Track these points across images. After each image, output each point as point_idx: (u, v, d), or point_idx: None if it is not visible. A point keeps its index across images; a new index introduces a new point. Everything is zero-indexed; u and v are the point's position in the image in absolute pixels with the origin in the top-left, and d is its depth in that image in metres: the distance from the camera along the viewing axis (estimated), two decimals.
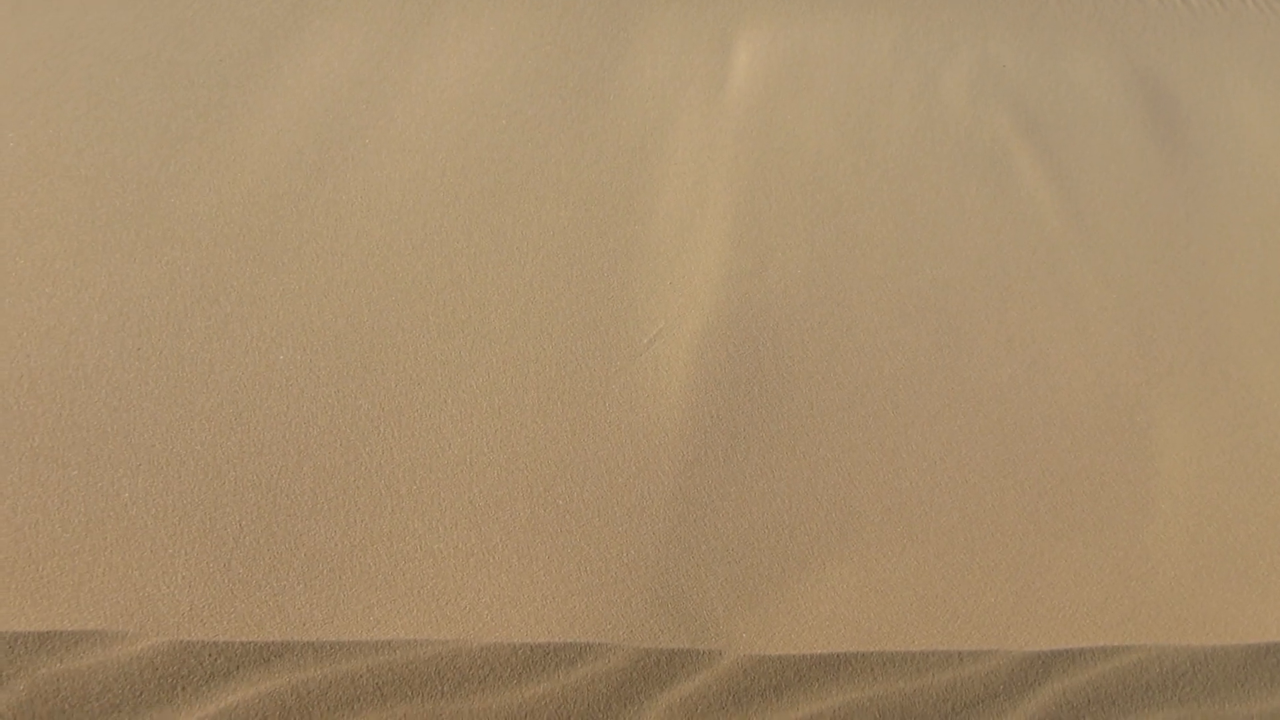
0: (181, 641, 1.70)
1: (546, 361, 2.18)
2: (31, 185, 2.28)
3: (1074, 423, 2.20)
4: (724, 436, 2.11)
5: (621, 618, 1.85)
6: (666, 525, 1.97)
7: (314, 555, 1.85)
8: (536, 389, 2.13)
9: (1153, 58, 3.24)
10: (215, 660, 1.70)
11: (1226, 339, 2.41)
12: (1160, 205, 2.72)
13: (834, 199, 2.60)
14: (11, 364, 1.98)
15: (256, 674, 1.71)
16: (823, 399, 2.20)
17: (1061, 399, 2.24)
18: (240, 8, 2.83)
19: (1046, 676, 1.85)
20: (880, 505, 2.04)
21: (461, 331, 2.20)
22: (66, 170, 2.32)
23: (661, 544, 1.95)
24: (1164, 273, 2.53)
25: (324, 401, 2.05)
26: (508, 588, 1.87)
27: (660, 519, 1.98)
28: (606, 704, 1.77)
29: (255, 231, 2.29)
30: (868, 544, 1.97)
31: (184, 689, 1.69)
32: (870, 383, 2.23)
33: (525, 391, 2.13)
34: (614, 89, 2.80)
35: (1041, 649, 1.86)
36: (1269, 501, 2.13)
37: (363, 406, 2.06)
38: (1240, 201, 2.79)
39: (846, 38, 3.07)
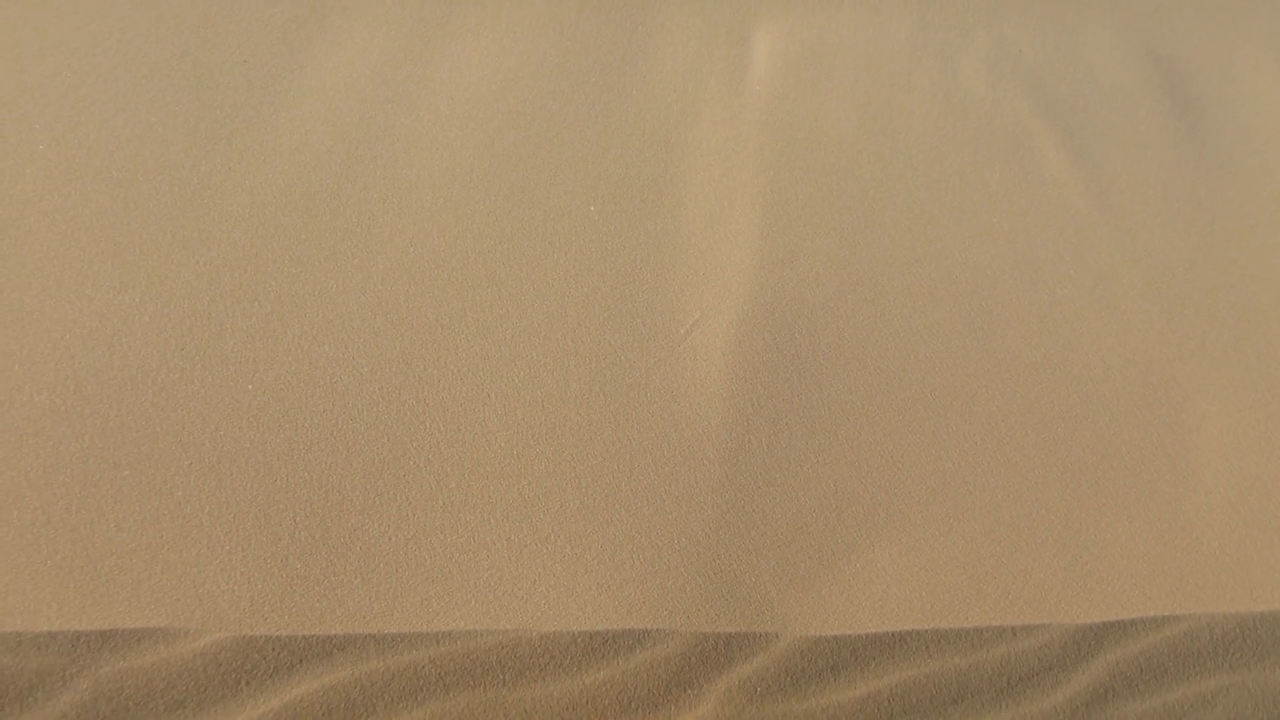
0: (244, 636, 1.71)
1: (586, 354, 2.19)
2: (65, 189, 2.27)
3: (1110, 399, 2.23)
4: (766, 423, 2.13)
5: (677, 603, 1.87)
6: (716, 511, 1.98)
7: (369, 549, 1.85)
8: (579, 381, 2.14)
9: (1166, 37, 3.27)
10: (278, 654, 1.71)
11: (1254, 313, 2.44)
12: (1182, 183, 2.75)
13: (860, 187, 2.62)
14: (57, 366, 1.98)
15: (320, 667, 1.72)
16: (861, 383, 2.22)
17: (1096, 376, 2.27)
18: (261, 8, 2.83)
19: (1099, 648, 1.87)
20: (925, 486, 2.06)
21: (500, 326, 2.21)
22: (98, 173, 2.32)
23: (712, 530, 1.96)
24: (1190, 250, 2.56)
25: (369, 398, 2.06)
26: (563, 576, 1.88)
27: (709, 505, 1.99)
28: (666, 688, 1.78)
29: (290, 231, 2.29)
30: (915, 524, 1.99)
31: (248, 683, 1.69)
32: (907, 366, 2.25)
33: (567, 384, 2.14)
34: (636, 82, 2.81)
35: (1093, 621, 1.88)
36: None
37: (407, 402, 2.07)
38: (1259, 179, 2.82)
39: (863, 27, 3.09)
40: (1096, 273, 2.48)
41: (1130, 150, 2.84)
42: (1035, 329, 2.34)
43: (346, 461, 1.96)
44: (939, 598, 1.90)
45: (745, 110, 2.79)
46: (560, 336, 2.22)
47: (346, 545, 1.85)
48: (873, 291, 2.39)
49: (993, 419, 2.18)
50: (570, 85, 2.78)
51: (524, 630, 1.80)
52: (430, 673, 1.74)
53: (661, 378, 2.17)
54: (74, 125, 2.41)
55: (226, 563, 1.78)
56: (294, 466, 1.93)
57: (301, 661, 1.71)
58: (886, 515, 2.01)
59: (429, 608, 1.81)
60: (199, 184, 2.34)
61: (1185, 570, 1.95)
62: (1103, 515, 2.03)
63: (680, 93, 2.81)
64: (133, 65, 2.59)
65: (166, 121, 2.46)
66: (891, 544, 1.97)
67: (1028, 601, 1.90)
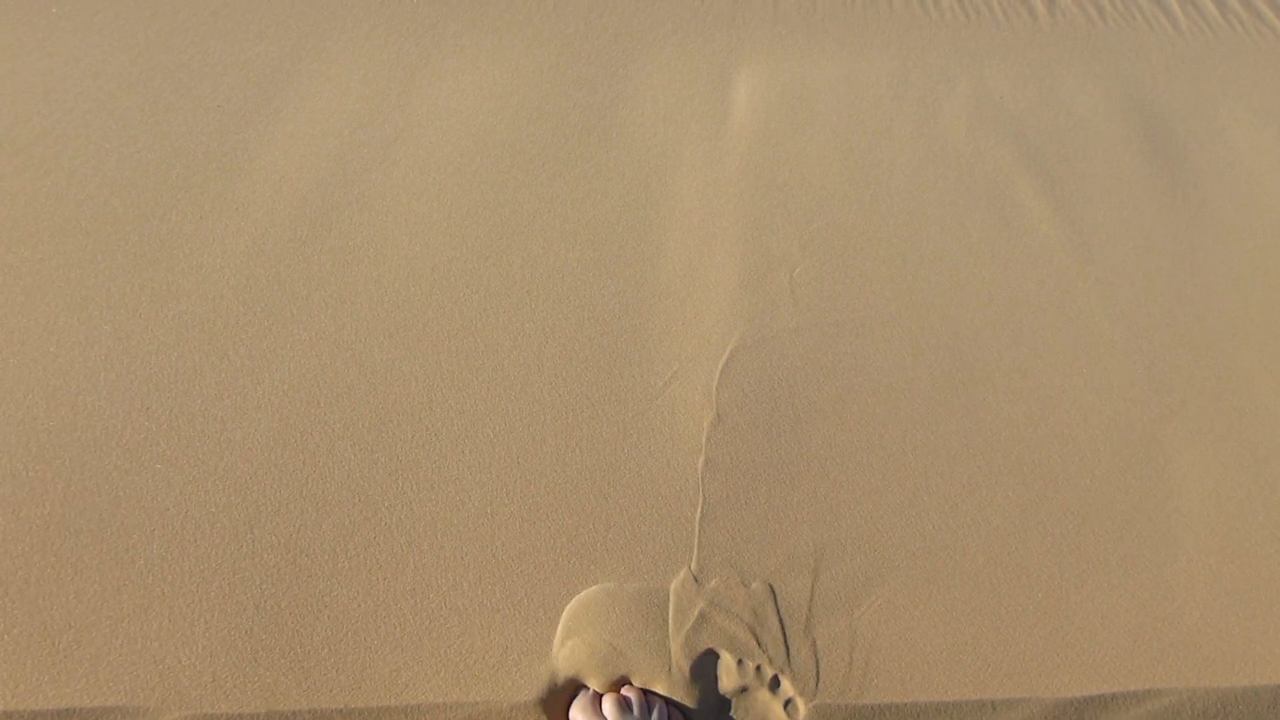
0: (205, 715, 1.66)
1: (562, 408, 2.16)
2: (33, 239, 2.23)
3: (1091, 460, 2.21)
4: (744, 479, 2.10)
5: (658, 667, 1.83)
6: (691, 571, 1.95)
7: (338, 617, 1.81)
8: (554, 436, 2.11)
9: (1147, 86, 3.28)
10: None
11: (1236, 371, 2.43)
12: (1163, 235, 2.74)
13: (841, 235, 2.60)
14: (19, 427, 1.93)
15: None
16: (840, 440, 2.19)
17: (1078, 436, 2.25)
18: (235, 51, 2.80)
19: None
20: (904, 549, 2.03)
21: (476, 379, 2.17)
22: (67, 223, 2.28)
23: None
24: (1171, 304, 2.55)
25: (340, 456, 2.02)
26: (534, 642, 1.84)
27: (685, 566, 1.95)
28: None
29: (261, 281, 2.25)
30: (895, 589, 1.96)
31: None
32: (887, 423, 2.23)
33: (543, 440, 2.10)
34: (616, 126, 2.80)
35: (1074, 694, 1.86)
36: None
37: (380, 460, 2.03)
38: (1240, 231, 2.82)
39: (845, 73, 3.09)
40: (1078, 327, 2.46)
41: (1112, 201, 2.83)
42: (1017, 386, 2.33)
43: (316, 524, 1.92)
44: (918, 668, 1.86)
45: (726, 155, 2.77)
46: (537, 389, 2.18)
47: (314, 614, 1.80)
48: (853, 344, 2.36)
49: (974, 479, 2.15)
50: (549, 129, 2.76)
51: (493, 701, 1.76)
52: None
53: (638, 433, 2.14)
54: (44, 173, 2.37)
55: (189, 635, 1.73)
56: (261, 530, 1.88)
57: None
58: (865, 579, 1.98)
59: (398, 679, 1.76)
60: (169, 234, 2.29)
61: (1167, 641, 1.93)
62: (1084, 583, 2.00)
63: (661, 137, 2.80)
64: (105, 110, 2.55)
65: (138, 169, 2.42)
66: (868, 609, 1.94)
67: (1008, 674, 1.87)
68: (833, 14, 3.39)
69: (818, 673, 1.85)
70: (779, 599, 1.93)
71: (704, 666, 1.83)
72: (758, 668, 1.83)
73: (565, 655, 1.81)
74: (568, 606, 1.86)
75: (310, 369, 2.13)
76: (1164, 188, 2.90)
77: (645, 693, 1.76)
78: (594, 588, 1.89)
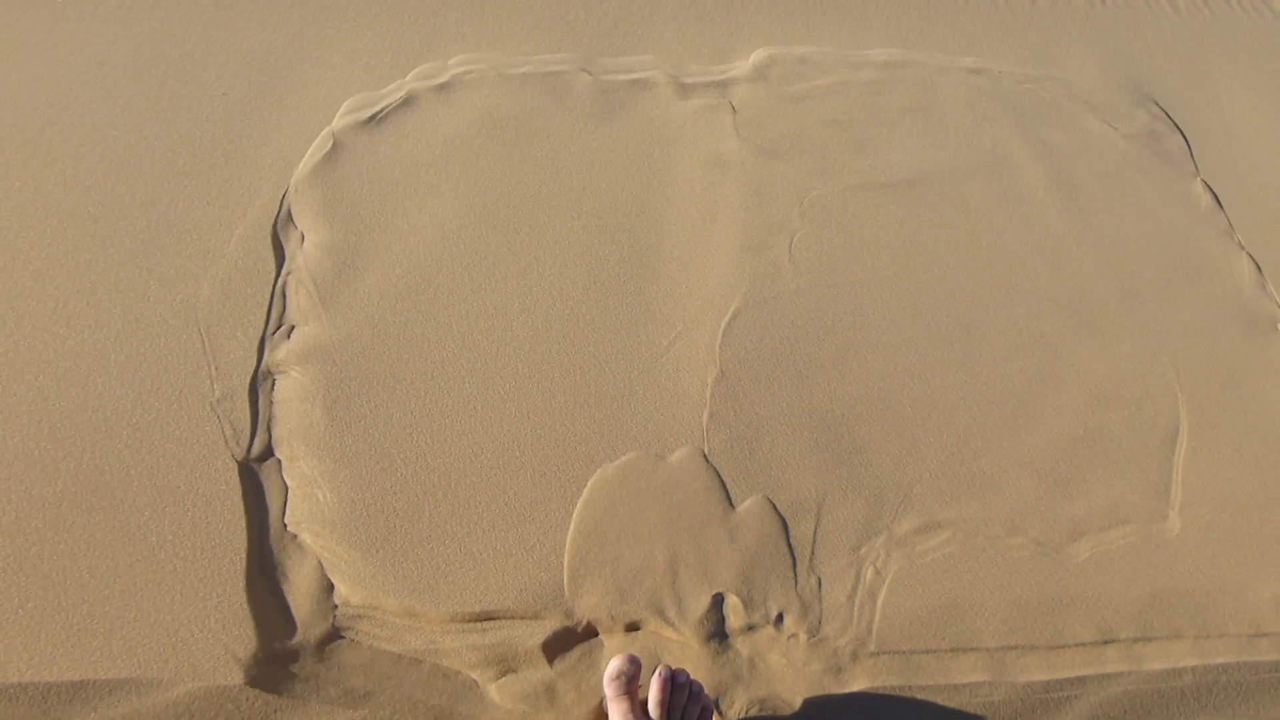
0: (217, 686, 1.68)
1: (570, 366, 2.20)
2: (40, 225, 2.25)
3: (1085, 414, 2.25)
4: (748, 430, 2.15)
5: (668, 606, 1.85)
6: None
7: (352, 569, 1.83)
8: (563, 393, 2.15)
9: (1145, 65, 3.30)
10: (253, 705, 1.68)
11: (1226, 338, 2.46)
12: (1159, 205, 2.76)
13: (839, 203, 2.63)
14: (30, 407, 1.95)
15: (295, 717, 1.69)
16: (841, 393, 2.23)
17: (1072, 391, 2.29)
18: (239, 40, 2.82)
19: (1083, 689, 1.87)
20: (905, 495, 2.08)
21: (486, 339, 2.21)
22: (74, 209, 2.30)
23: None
24: (1167, 270, 2.57)
25: (357, 411, 2.05)
26: (547, 585, 1.87)
27: None
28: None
29: (268, 265, 2.28)
30: (895, 533, 2.01)
31: None
32: (887, 376, 2.27)
33: (552, 396, 2.14)
34: (619, 103, 2.81)
35: (1078, 640, 1.88)
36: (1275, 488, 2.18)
37: (395, 415, 2.06)
38: (1236, 205, 2.84)
39: (843, 52, 3.10)
40: (1072, 290, 2.50)
41: (1108, 173, 2.85)
42: (1012, 344, 2.37)
43: (332, 479, 1.94)
44: (916, 613, 1.90)
45: (726, 128, 2.80)
46: (545, 349, 2.22)
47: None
48: (853, 304, 2.40)
49: (970, 430, 2.20)
50: (553, 105, 2.77)
51: (508, 643, 1.78)
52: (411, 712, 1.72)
53: (645, 389, 2.18)
54: (51, 160, 2.39)
55: (201, 609, 1.75)
56: None
57: (276, 712, 1.69)
58: (866, 524, 2.03)
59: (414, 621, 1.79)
60: (176, 219, 2.32)
61: (1160, 587, 1.97)
62: (1080, 531, 2.05)
63: (663, 112, 2.81)
64: (111, 98, 2.57)
65: (144, 155, 2.45)
66: (869, 553, 1.98)
67: (1004, 619, 1.91)
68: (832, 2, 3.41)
69: (821, 611, 1.90)
70: (787, 540, 1.98)
71: (712, 606, 1.87)
72: (764, 607, 1.87)
73: (577, 598, 1.85)
74: (577, 549, 1.90)
75: (325, 333, 2.15)
76: (1160, 162, 2.91)
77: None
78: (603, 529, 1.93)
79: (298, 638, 1.76)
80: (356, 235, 2.35)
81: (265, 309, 2.19)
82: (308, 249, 2.30)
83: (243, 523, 1.86)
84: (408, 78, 2.77)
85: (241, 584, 1.79)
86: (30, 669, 1.66)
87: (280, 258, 2.28)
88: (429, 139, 2.60)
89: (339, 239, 2.33)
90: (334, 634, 1.77)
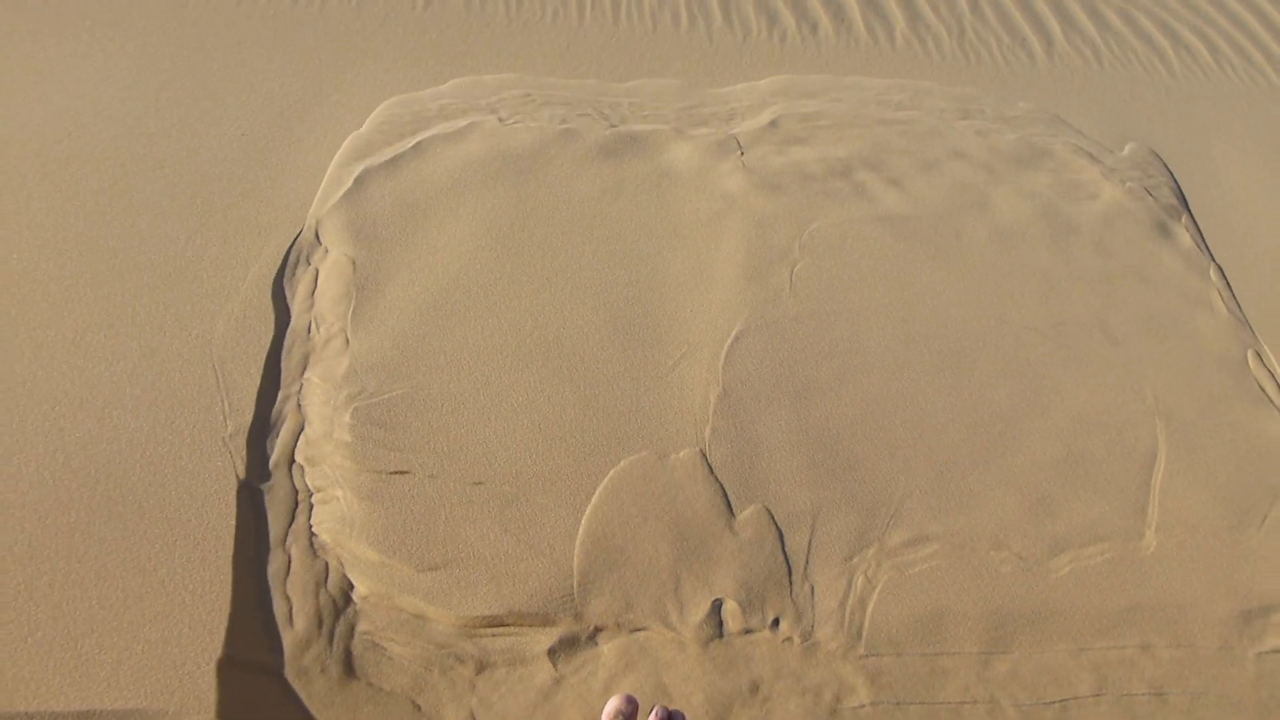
0: (225, 719, 1.71)
1: (581, 382, 2.28)
2: (60, 257, 2.30)
3: (1068, 438, 2.36)
4: (748, 445, 2.24)
5: (669, 610, 1.89)
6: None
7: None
8: (573, 407, 2.23)
9: (1141, 124, 3.42)
10: None
11: (1206, 369, 2.56)
12: (1145, 245, 2.85)
13: (838, 236, 2.74)
14: (46, 437, 1.99)
15: None
16: (837, 413, 2.34)
17: (1056, 416, 2.41)
18: (259, 82, 2.89)
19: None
20: (895, 510, 2.17)
21: (500, 354, 2.30)
22: (94, 242, 2.35)
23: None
24: (1156, 323, 2.66)
25: (376, 420, 2.10)
26: (556, 590, 1.93)
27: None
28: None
29: (282, 301, 2.33)
30: (886, 546, 2.09)
31: None
32: (882, 398, 2.38)
33: (563, 410, 2.22)
34: (628, 140, 2.89)
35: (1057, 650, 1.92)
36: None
37: (414, 426, 2.11)
38: (1235, 269, 2.93)
39: (845, 100, 3.20)
40: (1059, 322, 2.62)
41: (1100, 220, 2.95)
42: (1000, 372, 2.51)
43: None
44: (904, 620, 1.97)
45: (732, 164, 2.90)
46: (556, 365, 2.31)
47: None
48: (850, 329, 2.52)
49: (958, 451, 2.32)
50: (562, 144, 2.86)
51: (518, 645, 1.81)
52: None
53: (651, 405, 2.28)
54: (73, 194, 2.45)
55: (209, 643, 1.78)
56: None
57: None
58: (858, 536, 2.11)
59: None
60: (194, 255, 2.37)
61: (1135, 600, 2.06)
62: (1061, 549, 2.14)
63: (671, 150, 2.90)
64: (132, 135, 2.64)
65: (164, 192, 2.51)
66: (861, 563, 2.06)
67: (987, 628, 2.02)
68: (836, 54, 3.52)
69: (814, 617, 1.97)
70: (783, 549, 2.05)
71: (711, 611, 1.94)
72: (761, 612, 1.95)
73: (586, 603, 1.91)
74: (586, 555, 1.96)
75: (348, 349, 2.20)
76: (1158, 223, 3.01)
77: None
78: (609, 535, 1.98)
79: (305, 673, 1.78)
80: (379, 256, 2.43)
81: (280, 344, 2.24)
82: (327, 269, 2.38)
83: (253, 558, 1.90)
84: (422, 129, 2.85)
85: (251, 619, 1.82)
86: (38, 698, 1.68)
87: (295, 293, 2.34)
88: (448, 167, 2.69)
89: (363, 259, 2.41)
90: (345, 668, 1.80)
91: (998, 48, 3.71)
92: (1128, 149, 3.23)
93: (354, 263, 2.39)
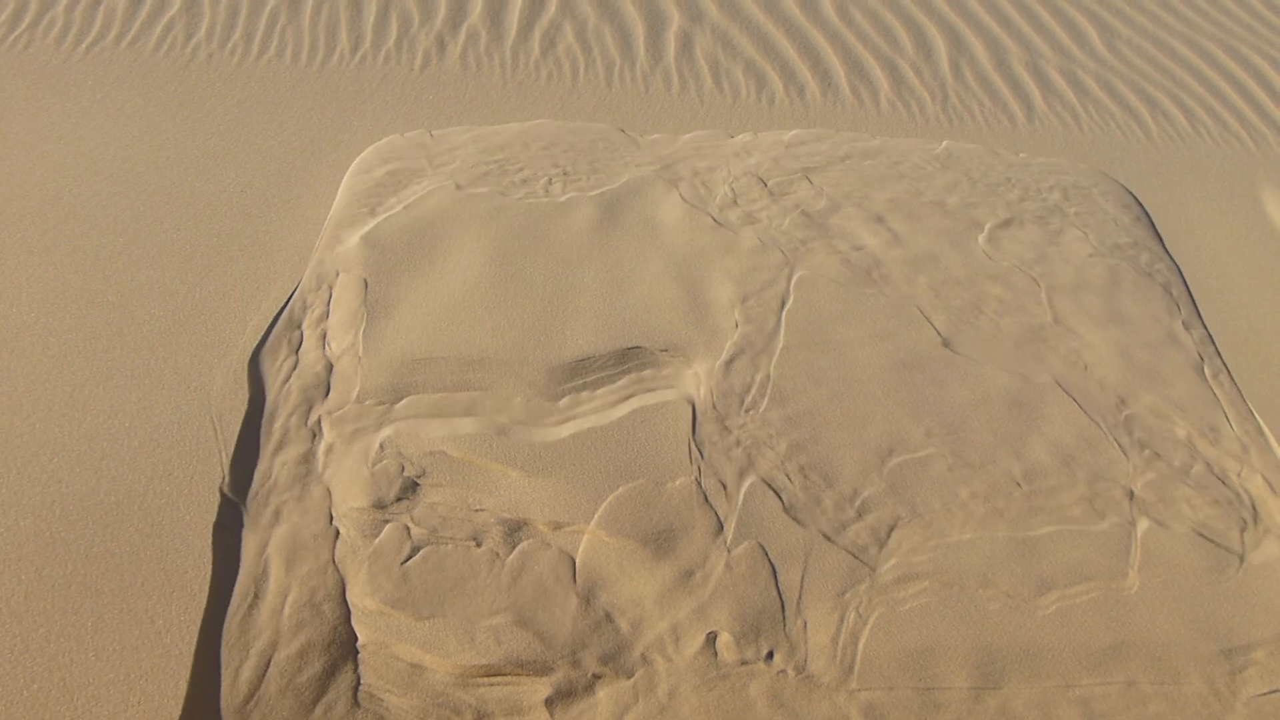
0: None
1: (580, 398, 2.31)
2: (60, 311, 2.33)
3: (1047, 456, 2.44)
4: (740, 476, 2.28)
5: (667, 642, 1.90)
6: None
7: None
8: (571, 432, 2.27)
9: (1123, 179, 3.53)
10: None
11: (1174, 438, 2.62)
12: (1127, 303, 2.94)
13: (825, 280, 2.81)
14: (44, 490, 2.00)
15: None
16: (832, 425, 2.41)
17: (1032, 440, 2.47)
18: (258, 141, 2.96)
19: None
20: (885, 546, 2.19)
21: (505, 370, 2.32)
22: (94, 296, 2.39)
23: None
24: (1133, 374, 2.73)
25: (383, 470, 2.10)
26: (557, 636, 1.92)
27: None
28: None
29: (281, 354, 2.36)
30: (877, 579, 2.09)
31: None
32: (872, 416, 2.47)
33: (561, 441, 2.25)
34: (626, 171, 2.97)
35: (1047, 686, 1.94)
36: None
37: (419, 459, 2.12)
38: (1208, 317, 3.02)
39: (827, 151, 3.31)
40: (1039, 358, 2.68)
41: (1083, 270, 3.04)
42: (980, 398, 2.59)
43: None
44: (893, 653, 1.97)
45: (727, 222, 2.96)
46: (561, 386, 2.33)
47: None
48: (836, 360, 2.59)
49: (942, 476, 2.36)
50: (565, 184, 2.93)
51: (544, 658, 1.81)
52: None
53: (642, 431, 2.33)
54: (73, 250, 2.49)
55: (207, 694, 1.78)
56: None
57: None
58: (850, 569, 2.12)
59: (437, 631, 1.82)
60: (193, 309, 2.41)
61: (1118, 639, 2.10)
62: (1046, 586, 2.16)
63: (669, 193, 2.97)
64: (133, 191, 2.69)
65: (163, 247, 2.55)
66: (853, 597, 2.07)
67: (975, 664, 2.02)
68: (823, 117, 3.64)
69: (807, 650, 2.00)
70: (776, 584, 2.07)
71: (706, 643, 1.97)
72: (755, 644, 1.98)
73: (585, 647, 1.94)
74: (583, 597, 1.98)
75: (351, 388, 2.23)
76: (1136, 277, 3.10)
77: None
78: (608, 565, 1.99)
79: None
80: (383, 289, 2.47)
81: (276, 396, 2.26)
82: (338, 297, 2.44)
83: (249, 612, 1.90)
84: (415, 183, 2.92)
85: (249, 673, 1.82)
86: None
87: (291, 349, 2.37)
88: (441, 234, 2.75)
89: (372, 292, 2.46)
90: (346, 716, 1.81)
91: (980, 111, 3.85)
92: (1110, 221, 3.34)
93: (365, 293, 2.44)
